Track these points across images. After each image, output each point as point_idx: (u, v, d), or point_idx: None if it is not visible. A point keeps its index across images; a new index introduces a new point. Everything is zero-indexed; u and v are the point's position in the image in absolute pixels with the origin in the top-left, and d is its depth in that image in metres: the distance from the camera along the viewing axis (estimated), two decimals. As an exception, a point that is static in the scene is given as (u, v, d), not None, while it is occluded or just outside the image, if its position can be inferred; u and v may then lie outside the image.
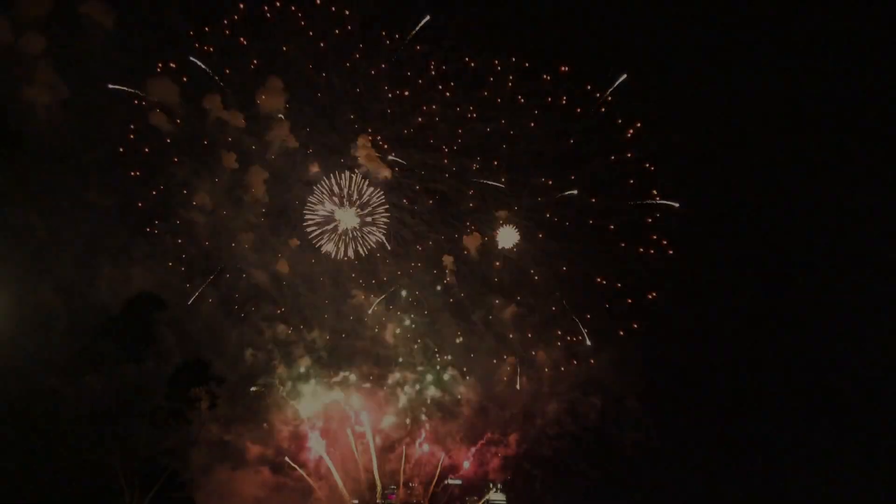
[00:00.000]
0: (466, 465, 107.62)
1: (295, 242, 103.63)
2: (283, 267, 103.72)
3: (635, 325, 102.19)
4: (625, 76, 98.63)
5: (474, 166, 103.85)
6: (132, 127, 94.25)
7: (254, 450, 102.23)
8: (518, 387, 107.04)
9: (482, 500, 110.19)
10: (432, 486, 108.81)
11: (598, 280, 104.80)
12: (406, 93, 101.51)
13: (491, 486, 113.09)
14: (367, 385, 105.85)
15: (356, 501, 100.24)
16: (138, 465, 58.00)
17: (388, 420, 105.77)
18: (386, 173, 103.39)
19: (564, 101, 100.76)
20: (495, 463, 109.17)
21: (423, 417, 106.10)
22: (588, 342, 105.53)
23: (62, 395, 54.30)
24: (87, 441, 53.70)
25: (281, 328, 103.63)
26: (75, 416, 54.35)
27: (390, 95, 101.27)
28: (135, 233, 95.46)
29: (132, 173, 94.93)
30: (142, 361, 57.62)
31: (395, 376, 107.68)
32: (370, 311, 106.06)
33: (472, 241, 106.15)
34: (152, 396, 58.85)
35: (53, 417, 52.80)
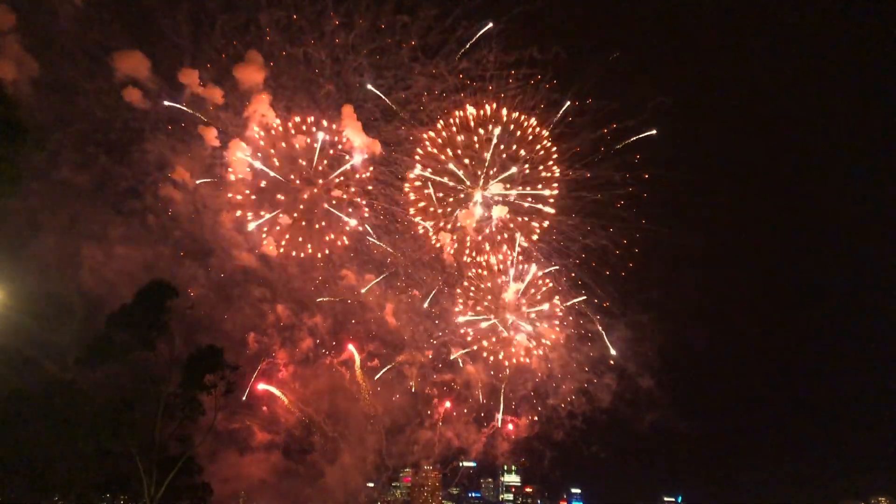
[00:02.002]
0: (477, 447, 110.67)
1: (286, 221, 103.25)
2: (270, 248, 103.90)
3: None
4: (617, 54, 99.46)
5: (464, 140, 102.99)
6: (106, 104, 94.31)
7: (260, 435, 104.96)
8: (529, 360, 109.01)
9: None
10: (440, 468, 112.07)
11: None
12: (387, 65, 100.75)
13: (505, 467, 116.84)
14: (374, 363, 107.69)
15: (371, 484, 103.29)
16: (155, 452, 60.61)
17: (397, 401, 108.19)
18: (375, 148, 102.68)
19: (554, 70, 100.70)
20: (507, 446, 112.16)
21: (434, 400, 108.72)
22: (598, 322, 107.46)
23: (79, 385, 56.39)
24: (106, 429, 55.80)
25: (280, 310, 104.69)
26: (93, 405, 56.50)
27: (371, 57, 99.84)
28: (117, 213, 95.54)
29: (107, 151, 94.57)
30: (154, 349, 59.93)
31: (402, 357, 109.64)
32: (364, 291, 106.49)
33: (465, 219, 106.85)
34: (166, 384, 61.22)
35: (72, 406, 54.92)
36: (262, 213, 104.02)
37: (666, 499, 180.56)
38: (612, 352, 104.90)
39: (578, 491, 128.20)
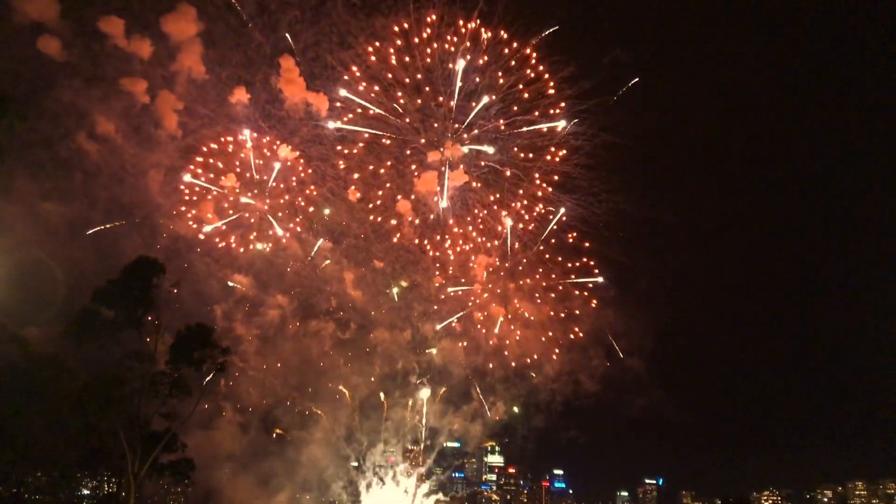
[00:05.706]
0: (456, 426, 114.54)
1: (224, 184, 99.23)
2: (208, 213, 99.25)
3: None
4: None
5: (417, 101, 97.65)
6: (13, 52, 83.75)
7: (229, 413, 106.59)
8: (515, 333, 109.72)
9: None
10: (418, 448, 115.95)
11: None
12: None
13: (489, 448, 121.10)
14: (346, 336, 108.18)
15: (355, 464, 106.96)
16: (140, 428, 63.62)
17: (373, 376, 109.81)
18: (320, 105, 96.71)
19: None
20: (487, 427, 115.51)
21: (415, 380, 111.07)
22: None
23: (64, 361, 58.81)
24: (91, 405, 58.43)
25: (239, 281, 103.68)
26: (78, 380, 59.05)
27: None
28: (33, 168, 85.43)
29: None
30: (141, 326, 62.54)
31: (375, 333, 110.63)
32: (310, 259, 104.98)
33: (425, 185, 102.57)
34: (152, 362, 63.87)
35: (57, 382, 57.46)
36: (197, 174, 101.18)
37: (647, 481, 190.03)
38: (600, 331, 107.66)
39: (561, 472, 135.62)
